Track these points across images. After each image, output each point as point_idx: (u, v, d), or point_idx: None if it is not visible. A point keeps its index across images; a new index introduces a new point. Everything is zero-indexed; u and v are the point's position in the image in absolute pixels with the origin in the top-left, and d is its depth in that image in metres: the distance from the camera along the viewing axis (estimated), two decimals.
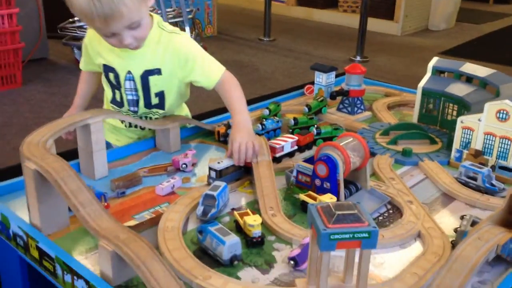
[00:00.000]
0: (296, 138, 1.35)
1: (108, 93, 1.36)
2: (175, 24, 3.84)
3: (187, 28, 3.52)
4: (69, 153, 1.21)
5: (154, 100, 1.32)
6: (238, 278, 0.89)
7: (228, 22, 5.22)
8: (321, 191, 1.10)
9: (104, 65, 1.30)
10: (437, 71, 1.56)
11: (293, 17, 5.72)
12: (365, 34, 4.08)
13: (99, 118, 1.17)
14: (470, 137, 1.28)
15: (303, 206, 1.09)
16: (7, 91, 3.07)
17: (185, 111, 1.49)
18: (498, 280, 0.88)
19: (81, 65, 1.41)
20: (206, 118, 1.56)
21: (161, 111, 1.35)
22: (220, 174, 1.15)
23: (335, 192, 1.09)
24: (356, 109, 1.63)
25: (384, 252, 0.97)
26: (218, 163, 1.17)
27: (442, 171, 1.27)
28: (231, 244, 0.90)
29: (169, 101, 1.34)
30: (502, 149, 1.24)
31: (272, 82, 3.54)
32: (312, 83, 1.81)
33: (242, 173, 1.21)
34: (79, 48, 3.39)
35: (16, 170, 1.17)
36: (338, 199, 1.07)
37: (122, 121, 1.40)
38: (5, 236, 1.04)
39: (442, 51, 4.42)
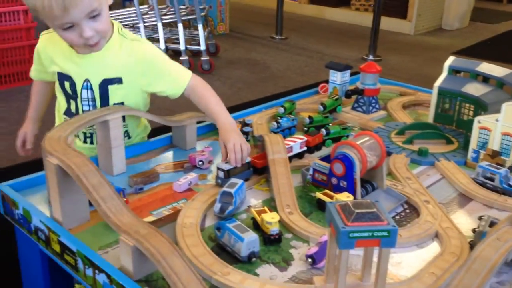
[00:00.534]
0: (305, 139, 1.33)
1: (62, 103, 1.29)
2: (188, 21, 3.86)
3: (200, 26, 3.53)
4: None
5: None
6: (256, 275, 0.89)
7: (240, 20, 5.24)
8: (338, 189, 1.11)
9: (59, 73, 1.24)
10: (453, 71, 1.56)
11: (305, 15, 5.72)
12: (378, 33, 4.07)
13: (118, 114, 1.18)
14: (488, 138, 1.27)
15: (320, 204, 1.10)
16: (22, 87, 3.10)
17: (144, 122, 1.41)
18: None
19: (32, 74, 1.34)
20: None
21: None
22: (228, 174, 1.14)
23: (352, 190, 1.09)
24: (371, 108, 1.63)
25: (402, 251, 0.97)
26: (226, 162, 1.16)
27: (459, 171, 1.26)
28: (249, 241, 0.91)
29: None
30: None
31: (285, 80, 3.54)
32: (325, 81, 1.81)
33: (251, 173, 1.20)
34: None
35: (31, 166, 1.19)
36: (354, 198, 1.07)
37: (77, 135, 1.31)
38: (26, 230, 1.06)
39: (456, 50, 4.40)
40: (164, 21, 3.53)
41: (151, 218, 1.04)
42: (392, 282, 0.88)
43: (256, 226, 1.01)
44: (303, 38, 4.73)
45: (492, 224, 0.96)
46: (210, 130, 1.49)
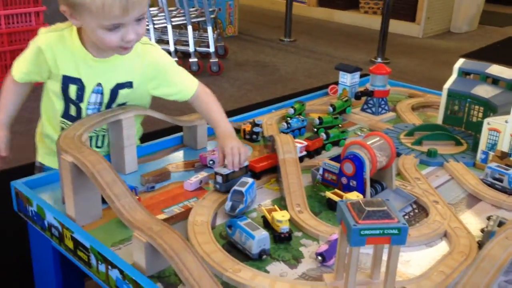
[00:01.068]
0: (305, 143, 1.32)
1: (57, 107, 1.21)
2: (197, 23, 3.88)
3: (209, 28, 3.55)
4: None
5: None
6: (266, 272, 0.91)
7: (249, 22, 5.25)
8: (347, 189, 1.12)
9: (65, 76, 1.16)
10: (463, 73, 1.56)
11: (313, 17, 5.73)
12: (386, 36, 4.08)
13: (131, 114, 1.19)
14: (497, 139, 1.28)
15: (329, 203, 1.11)
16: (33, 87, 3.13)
17: (138, 125, 1.35)
18: None
19: (18, 76, 1.20)
20: (229, 116, 1.58)
21: None
22: (227, 179, 1.13)
23: (361, 190, 1.10)
24: (380, 109, 1.64)
25: (411, 250, 0.98)
26: (224, 167, 1.15)
27: (468, 172, 1.27)
28: (260, 239, 0.92)
29: None
30: None
31: (294, 82, 3.55)
32: (334, 83, 1.82)
33: (249, 177, 1.16)
34: None
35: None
36: (364, 198, 1.08)
37: None
38: (39, 226, 1.08)
39: (464, 53, 4.39)
40: (174, 23, 3.55)
41: (162, 216, 1.05)
42: (401, 280, 0.89)
43: (267, 224, 1.02)
44: (311, 41, 4.74)
45: (500, 224, 0.97)
46: None
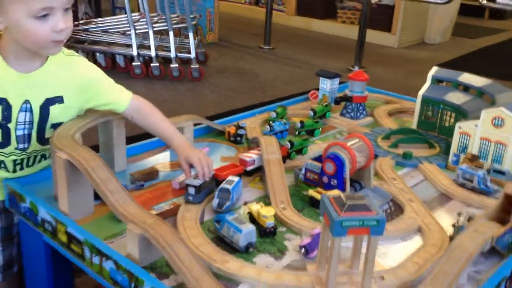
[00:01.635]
0: None
1: None
2: (178, 29, 3.92)
3: (191, 34, 3.60)
4: None
5: (49, 133, 1.14)
6: (253, 263, 0.96)
7: (229, 29, 5.31)
8: (328, 187, 1.18)
9: None
10: (436, 80, 1.65)
11: (292, 26, 5.83)
12: (363, 45, 4.19)
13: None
14: (467, 142, 1.36)
15: (312, 201, 1.17)
16: None
17: None
18: (492, 270, 0.96)
19: None
20: (215, 119, 1.63)
21: None
22: (200, 190, 1.12)
23: (342, 188, 1.16)
24: (358, 114, 1.72)
25: (388, 243, 1.05)
26: (194, 178, 1.14)
27: (440, 173, 1.35)
28: (247, 232, 0.98)
29: None
30: (496, 153, 1.32)
31: (273, 89, 3.62)
32: (315, 89, 1.89)
33: (214, 186, 1.18)
34: (84, 51, 3.46)
35: None
36: None
37: (2, 167, 1.16)
38: (32, 222, 1.11)
39: (437, 64, 4.53)
40: (155, 29, 3.59)
41: (152, 213, 1.09)
42: (379, 270, 0.95)
43: (252, 220, 1.08)
44: (290, 49, 4.83)
45: (470, 219, 1.05)
46: (206, 132, 1.55)
